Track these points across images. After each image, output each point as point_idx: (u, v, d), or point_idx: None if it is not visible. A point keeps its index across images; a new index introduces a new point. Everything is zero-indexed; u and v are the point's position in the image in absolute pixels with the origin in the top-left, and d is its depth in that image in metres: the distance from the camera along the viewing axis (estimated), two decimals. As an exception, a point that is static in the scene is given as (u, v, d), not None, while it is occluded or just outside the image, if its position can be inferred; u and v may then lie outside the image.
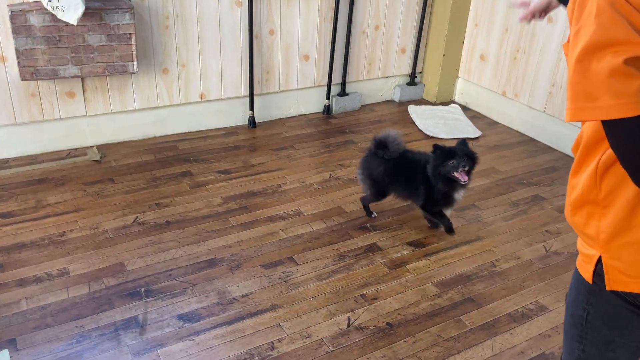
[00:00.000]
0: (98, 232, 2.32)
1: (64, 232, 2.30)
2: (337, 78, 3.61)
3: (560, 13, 3.10)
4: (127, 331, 1.84)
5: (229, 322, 1.90)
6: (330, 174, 2.89)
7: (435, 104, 3.89)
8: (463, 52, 3.83)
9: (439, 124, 3.52)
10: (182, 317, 1.91)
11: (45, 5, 2.41)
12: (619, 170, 0.88)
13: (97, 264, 2.13)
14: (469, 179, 2.24)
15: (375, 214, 2.54)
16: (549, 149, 3.32)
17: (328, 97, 3.60)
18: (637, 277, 0.93)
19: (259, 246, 2.29)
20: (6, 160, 2.79)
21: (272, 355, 1.78)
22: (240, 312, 1.94)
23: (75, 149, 2.96)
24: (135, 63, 2.76)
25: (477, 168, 3.08)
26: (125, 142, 3.07)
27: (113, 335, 1.82)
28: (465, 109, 3.81)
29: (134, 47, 2.72)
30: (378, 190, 2.43)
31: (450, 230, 2.45)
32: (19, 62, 2.54)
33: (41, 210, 2.43)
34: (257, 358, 1.77)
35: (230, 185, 2.73)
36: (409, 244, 2.37)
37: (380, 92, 3.88)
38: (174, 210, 2.49)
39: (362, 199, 2.54)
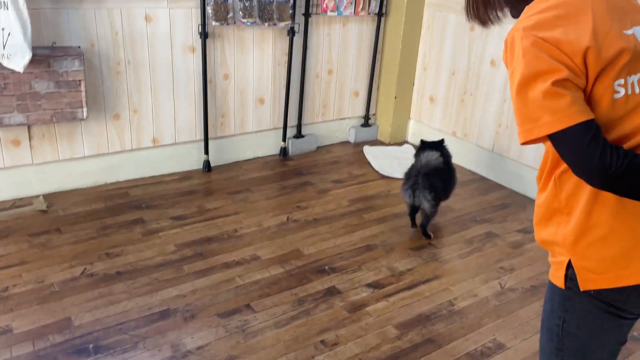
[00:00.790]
0: (43, 285, 2.20)
1: (7, 286, 2.18)
2: (292, 120, 3.64)
3: (503, 57, 3.26)
4: (74, 392, 1.73)
5: (184, 377, 1.82)
6: (288, 217, 2.87)
7: (389, 144, 3.97)
8: (413, 95, 3.95)
9: (393, 164, 3.59)
10: (133, 374, 1.81)
11: (-11, 53, 2.35)
12: (573, 177, 0.99)
13: (42, 320, 2.02)
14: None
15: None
16: (499, 187, 3.42)
17: (284, 140, 3.62)
18: (605, 272, 1.00)
19: (214, 294, 2.23)
20: (-56, 213, 2.65)
21: (229, 410, 1.71)
22: (195, 365, 1.87)
23: (21, 198, 2.84)
24: (84, 109, 2.70)
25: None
26: (74, 190, 2.97)
27: (58, 397, 1.71)
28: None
29: (83, 94, 2.67)
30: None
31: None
32: (-40, 110, 2.44)
33: (-19, 265, 2.30)
34: (213, 414, 1.69)
35: (184, 231, 2.67)
36: (368, 285, 2.36)
37: (335, 134, 3.94)
38: (124, 260, 2.40)
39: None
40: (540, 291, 2.39)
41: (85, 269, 2.32)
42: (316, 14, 3.46)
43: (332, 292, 2.30)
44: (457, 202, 3.18)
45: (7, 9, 2.32)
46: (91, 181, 3.03)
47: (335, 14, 3.49)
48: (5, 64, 2.39)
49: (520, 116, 0.95)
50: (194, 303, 2.17)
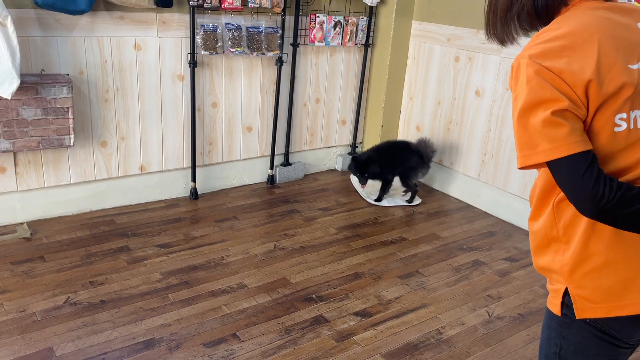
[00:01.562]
0: (25, 315, 2.15)
1: (-14, 317, 2.12)
2: (280, 148, 3.66)
3: (487, 88, 3.33)
4: None
5: (168, 409, 1.77)
6: (275, 244, 2.86)
7: (376, 172, 4.00)
8: (400, 124, 4.00)
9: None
10: (115, 407, 1.76)
11: (-23, 79, 2.35)
12: (571, 206, 1.00)
13: (23, 350, 1.96)
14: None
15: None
16: (485, 214, 3.45)
17: (272, 167, 3.63)
18: (602, 302, 1.01)
19: (200, 323, 2.19)
20: None
21: None
22: (180, 397, 1.82)
23: (4, 226, 2.80)
24: (72, 136, 2.69)
25: (420, 234, 3.14)
26: (59, 217, 2.94)
27: None
28: (405, 177, 3.92)
29: (70, 121, 2.67)
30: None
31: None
32: (-55, 136, 2.42)
33: (-39, 294, 2.24)
34: None
35: (170, 259, 2.64)
36: (356, 314, 2.34)
37: (323, 162, 3.96)
38: (109, 289, 2.36)
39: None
40: (528, 319, 2.39)
41: (68, 297, 2.28)
42: (304, 44, 3.52)
43: (319, 320, 2.28)
44: (444, 230, 3.20)
45: (-3, 36, 2.33)
46: (77, 208, 3.00)
47: (323, 44, 3.56)
48: (-7, 90, 2.38)
49: (519, 141, 0.97)
50: (179, 332, 2.13)
